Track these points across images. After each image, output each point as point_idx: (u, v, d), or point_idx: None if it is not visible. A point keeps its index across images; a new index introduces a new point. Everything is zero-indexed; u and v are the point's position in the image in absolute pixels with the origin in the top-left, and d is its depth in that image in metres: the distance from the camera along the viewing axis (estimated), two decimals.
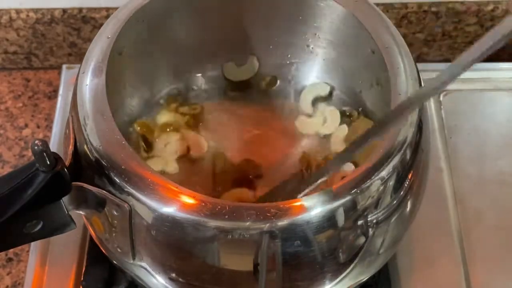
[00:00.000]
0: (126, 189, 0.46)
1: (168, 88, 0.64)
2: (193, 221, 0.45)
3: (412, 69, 0.52)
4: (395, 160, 0.48)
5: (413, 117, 0.50)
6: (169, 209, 0.45)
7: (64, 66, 0.76)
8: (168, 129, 0.62)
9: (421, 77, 0.53)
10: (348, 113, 0.63)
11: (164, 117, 0.63)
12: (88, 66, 0.52)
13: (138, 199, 0.46)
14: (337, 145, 0.62)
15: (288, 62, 0.64)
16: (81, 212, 0.51)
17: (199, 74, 0.65)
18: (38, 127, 0.75)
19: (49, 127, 0.74)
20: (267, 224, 0.45)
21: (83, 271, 0.61)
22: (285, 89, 0.65)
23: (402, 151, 0.48)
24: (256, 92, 0.66)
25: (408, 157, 0.49)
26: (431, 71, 0.73)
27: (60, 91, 0.73)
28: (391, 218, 0.50)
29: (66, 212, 0.48)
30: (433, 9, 0.76)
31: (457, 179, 0.67)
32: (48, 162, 0.45)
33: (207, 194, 0.46)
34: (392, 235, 0.52)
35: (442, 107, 0.72)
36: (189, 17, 0.61)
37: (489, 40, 0.36)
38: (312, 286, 0.51)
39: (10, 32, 0.76)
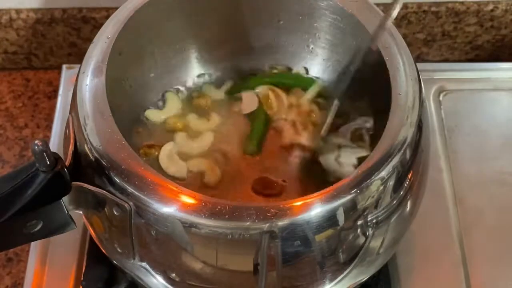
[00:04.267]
0: (126, 189, 0.46)
1: (169, 88, 0.64)
2: (193, 221, 0.45)
3: (412, 69, 0.52)
4: (395, 160, 0.48)
5: (413, 117, 0.50)
6: (169, 209, 0.45)
7: (64, 66, 0.76)
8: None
9: (421, 77, 0.53)
10: None
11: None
12: (88, 66, 0.52)
13: (138, 199, 0.46)
14: None
15: (287, 63, 0.64)
16: (81, 212, 0.51)
17: (200, 75, 0.65)
18: (38, 127, 0.75)
19: (49, 127, 0.74)
20: (267, 224, 0.45)
21: (83, 271, 0.61)
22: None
23: (402, 151, 0.48)
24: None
25: (408, 157, 0.49)
26: (431, 71, 0.74)
27: (60, 91, 0.73)
28: (391, 218, 0.50)
29: (66, 212, 0.48)
30: (433, 9, 0.76)
31: (457, 179, 0.67)
32: (48, 162, 0.45)
33: None
34: (392, 235, 0.53)
35: (442, 107, 0.72)
36: (189, 17, 0.61)
37: None
38: (312, 286, 0.51)
39: (10, 32, 0.76)
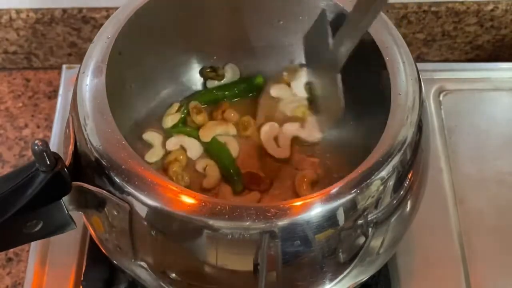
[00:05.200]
0: (126, 189, 0.46)
1: (168, 88, 0.64)
2: (193, 221, 0.45)
3: (412, 69, 0.52)
4: (395, 160, 0.48)
5: (413, 117, 0.50)
6: (169, 209, 0.45)
7: (64, 66, 0.76)
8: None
9: (421, 77, 0.53)
10: None
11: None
12: (88, 66, 0.52)
13: (138, 199, 0.46)
14: None
15: (288, 62, 0.64)
16: (81, 212, 0.51)
17: (200, 74, 0.65)
18: (38, 127, 0.75)
19: (49, 127, 0.74)
20: (267, 224, 0.45)
21: (83, 271, 0.61)
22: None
23: (402, 151, 0.48)
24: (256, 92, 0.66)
25: (408, 157, 0.49)
26: (431, 71, 0.74)
27: (60, 91, 0.73)
28: (391, 218, 0.50)
29: (66, 212, 0.48)
30: (433, 9, 0.76)
31: (457, 179, 0.67)
32: (48, 162, 0.45)
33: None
34: (392, 235, 0.53)
35: (442, 107, 0.72)
36: (188, 17, 0.61)
37: None
38: (312, 286, 0.51)
39: (10, 32, 0.76)
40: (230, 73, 0.65)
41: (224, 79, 0.65)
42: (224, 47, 0.64)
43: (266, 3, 0.60)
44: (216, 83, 0.65)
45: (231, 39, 0.64)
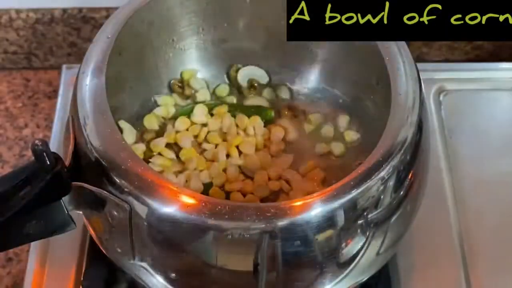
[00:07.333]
0: (126, 189, 0.46)
1: (168, 88, 0.64)
2: (193, 221, 0.45)
3: (412, 69, 0.52)
4: (395, 160, 0.48)
5: (413, 117, 0.50)
6: (169, 209, 0.45)
7: (64, 66, 0.76)
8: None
9: (421, 77, 0.53)
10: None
11: None
12: (88, 66, 0.52)
13: (138, 199, 0.46)
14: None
15: (287, 63, 0.64)
16: (81, 212, 0.51)
17: (200, 75, 0.65)
18: (38, 127, 0.75)
19: (49, 127, 0.74)
20: (267, 224, 0.45)
21: (83, 271, 0.61)
22: (283, 90, 0.65)
23: (402, 151, 0.48)
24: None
25: (408, 157, 0.49)
26: (431, 71, 0.74)
27: (60, 91, 0.73)
28: (391, 218, 0.50)
29: (66, 212, 0.48)
30: None
31: (457, 179, 0.67)
32: (48, 162, 0.45)
33: None
34: (392, 235, 0.53)
35: (442, 107, 0.72)
36: (189, 17, 0.61)
37: None
38: (312, 286, 0.51)
39: (10, 32, 0.76)
40: (201, 95, 0.64)
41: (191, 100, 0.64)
42: (224, 48, 0.64)
43: (267, 5, 0.60)
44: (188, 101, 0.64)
45: (230, 39, 0.64)
